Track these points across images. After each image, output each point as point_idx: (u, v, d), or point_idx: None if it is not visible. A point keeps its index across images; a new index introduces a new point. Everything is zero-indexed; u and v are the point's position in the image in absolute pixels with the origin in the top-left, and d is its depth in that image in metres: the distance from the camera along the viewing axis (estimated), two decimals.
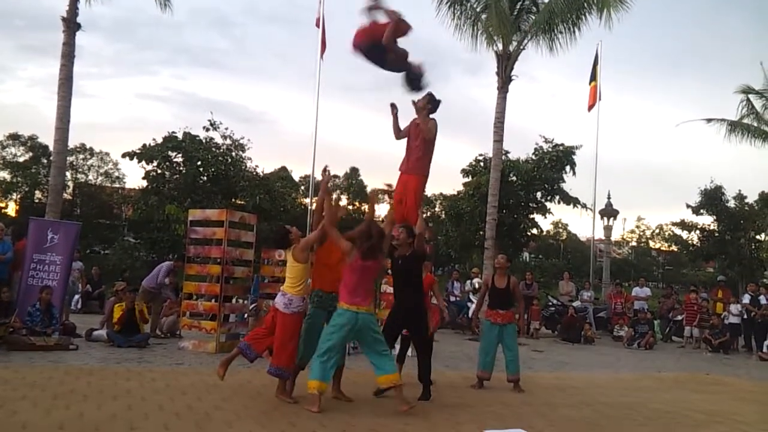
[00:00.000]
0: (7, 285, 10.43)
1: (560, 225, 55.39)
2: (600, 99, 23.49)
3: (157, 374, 7.67)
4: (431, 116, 7.48)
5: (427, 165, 7.56)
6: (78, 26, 12.91)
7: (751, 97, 20.41)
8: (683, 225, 26.87)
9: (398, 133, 7.65)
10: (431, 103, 7.49)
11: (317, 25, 20.32)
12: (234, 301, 11.88)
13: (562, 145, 20.60)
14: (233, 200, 22.34)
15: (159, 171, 22.63)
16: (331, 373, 6.21)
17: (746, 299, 15.88)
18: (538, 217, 21.67)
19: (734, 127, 19.79)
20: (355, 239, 6.31)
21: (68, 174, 35.00)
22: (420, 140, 7.43)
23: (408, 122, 7.64)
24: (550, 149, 20.70)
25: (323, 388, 6.03)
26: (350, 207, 52.29)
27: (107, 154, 43.46)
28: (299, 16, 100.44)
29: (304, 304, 6.45)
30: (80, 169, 42.18)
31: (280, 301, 6.45)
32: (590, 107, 23.53)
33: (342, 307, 6.17)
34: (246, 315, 11.95)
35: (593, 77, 23.46)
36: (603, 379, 9.97)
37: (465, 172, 21.90)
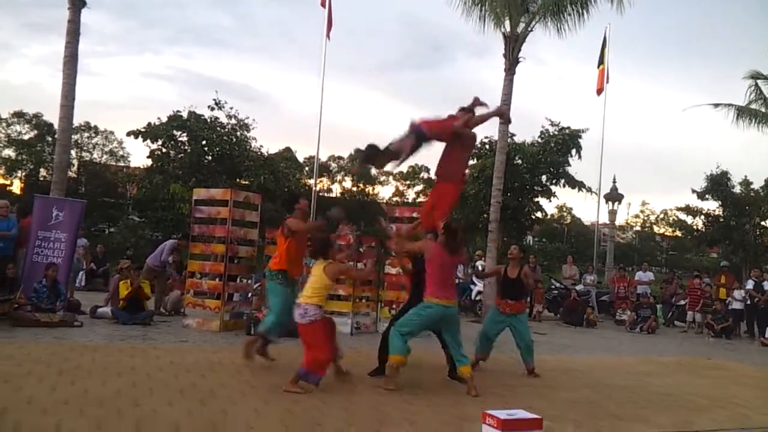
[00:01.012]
0: (12, 261, 10.48)
1: (564, 209, 55.32)
2: (608, 82, 23.44)
3: (161, 351, 7.73)
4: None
5: (463, 170, 7.44)
6: (83, 3, 12.79)
7: (760, 82, 20.23)
8: (688, 210, 26.80)
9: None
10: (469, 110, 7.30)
11: (323, 4, 20.21)
12: (238, 280, 11.92)
13: (569, 128, 20.48)
14: (237, 180, 22.33)
15: (164, 150, 22.61)
16: (407, 348, 6.52)
17: (750, 285, 15.87)
18: (542, 201, 21.62)
19: (742, 112, 19.66)
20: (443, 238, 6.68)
21: (73, 152, 34.98)
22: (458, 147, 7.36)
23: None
24: (556, 132, 20.59)
25: (402, 362, 6.45)
26: (354, 189, 52.33)
27: (112, 132, 43.55)
28: None
29: (321, 311, 6.39)
30: (85, 148, 42.25)
31: (296, 313, 6.43)
32: (599, 91, 23.47)
33: (431, 300, 6.49)
34: (250, 294, 11.99)
35: (601, 61, 23.37)
36: (605, 362, 10.01)
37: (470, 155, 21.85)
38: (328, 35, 20.35)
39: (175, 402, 5.29)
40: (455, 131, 6.85)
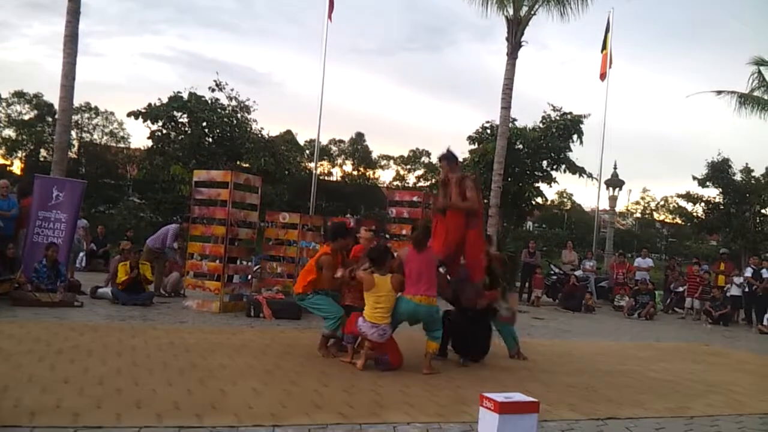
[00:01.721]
0: (12, 241, 10.50)
1: (565, 195, 55.33)
2: (610, 67, 23.35)
3: (161, 332, 7.76)
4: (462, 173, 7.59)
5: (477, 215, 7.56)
6: None
7: (763, 69, 20.09)
8: (688, 197, 26.75)
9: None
10: (454, 161, 7.66)
11: None
12: (238, 262, 11.94)
13: (570, 113, 20.42)
14: (238, 162, 22.29)
15: (164, 131, 22.55)
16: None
17: (748, 272, 15.91)
18: (543, 186, 21.60)
19: (745, 99, 19.56)
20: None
21: (73, 133, 34.93)
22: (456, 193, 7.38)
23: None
24: (557, 118, 20.52)
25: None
26: (355, 172, 52.25)
27: (112, 113, 43.46)
28: None
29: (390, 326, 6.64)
30: (85, 128, 42.18)
31: (374, 333, 6.44)
32: (602, 76, 23.40)
33: (404, 296, 6.63)
34: (249, 276, 12.02)
35: (604, 46, 23.28)
36: (603, 347, 10.04)
37: (471, 139, 21.73)
38: (329, 17, 20.20)
39: (175, 382, 5.32)
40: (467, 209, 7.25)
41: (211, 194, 11.06)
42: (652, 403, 6.06)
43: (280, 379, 5.71)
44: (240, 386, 5.33)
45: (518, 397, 4.72)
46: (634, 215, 63.02)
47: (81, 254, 15.74)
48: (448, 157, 7.67)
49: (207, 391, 5.11)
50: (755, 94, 19.71)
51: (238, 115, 22.62)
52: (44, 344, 6.41)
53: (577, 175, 20.92)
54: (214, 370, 5.86)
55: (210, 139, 22.24)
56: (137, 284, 10.38)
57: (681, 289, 17.50)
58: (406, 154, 56.20)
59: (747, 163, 25.17)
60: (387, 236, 11.52)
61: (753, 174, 25.05)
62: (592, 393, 6.31)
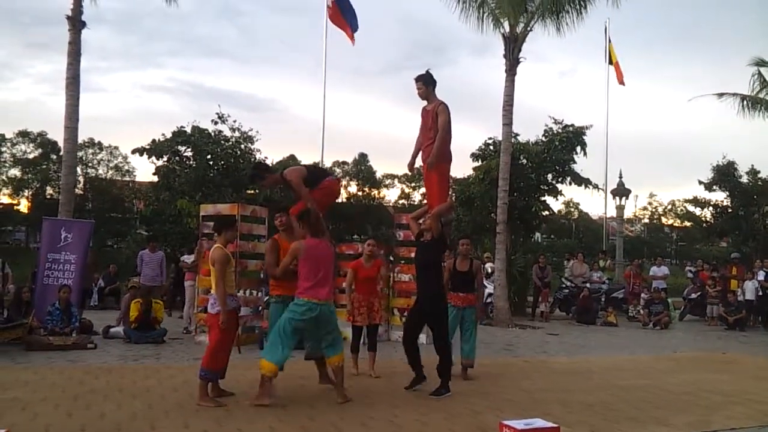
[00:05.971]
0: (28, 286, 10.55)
1: (572, 204, 55.15)
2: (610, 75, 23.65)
3: (175, 371, 7.75)
4: (440, 99, 7.30)
5: (445, 151, 7.27)
6: (83, 24, 12.89)
7: (763, 70, 20.03)
8: (696, 202, 26.63)
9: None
10: (431, 83, 7.22)
11: (332, 19, 19.59)
12: (248, 293, 11.91)
13: (572, 125, 20.40)
14: (244, 191, 22.33)
15: (169, 166, 22.66)
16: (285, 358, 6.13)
17: (761, 276, 15.77)
18: (549, 199, 21.53)
19: (747, 101, 19.50)
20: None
21: (78, 169, 35.12)
22: (431, 126, 7.31)
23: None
24: (560, 130, 20.49)
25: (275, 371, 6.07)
26: (360, 193, 52.29)
27: (116, 147, 43.74)
28: (306, 2, 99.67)
29: None
30: (90, 164, 42.45)
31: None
32: (621, 82, 23.89)
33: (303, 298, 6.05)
34: (261, 308, 11.97)
35: (610, 55, 23.55)
36: (620, 362, 9.96)
37: (475, 156, 21.71)
38: (352, 41, 19.50)
39: (191, 423, 5.30)
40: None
41: None
42: (672, 419, 6.01)
43: (296, 415, 5.68)
44: (257, 425, 5.31)
45: (538, 423, 4.70)
46: (643, 221, 62.81)
47: (94, 293, 15.90)
48: (425, 78, 7.11)
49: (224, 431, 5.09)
50: (759, 95, 19.63)
51: (242, 146, 22.72)
52: (59, 390, 6.41)
53: (583, 186, 20.85)
54: (230, 408, 5.84)
55: (215, 171, 22.31)
56: (149, 322, 10.38)
57: (694, 296, 17.33)
58: (410, 172, 56.22)
59: (753, 165, 25.09)
60: (392, 259, 11.58)
61: (759, 176, 24.94)
62: (612, 411, 6.26)
